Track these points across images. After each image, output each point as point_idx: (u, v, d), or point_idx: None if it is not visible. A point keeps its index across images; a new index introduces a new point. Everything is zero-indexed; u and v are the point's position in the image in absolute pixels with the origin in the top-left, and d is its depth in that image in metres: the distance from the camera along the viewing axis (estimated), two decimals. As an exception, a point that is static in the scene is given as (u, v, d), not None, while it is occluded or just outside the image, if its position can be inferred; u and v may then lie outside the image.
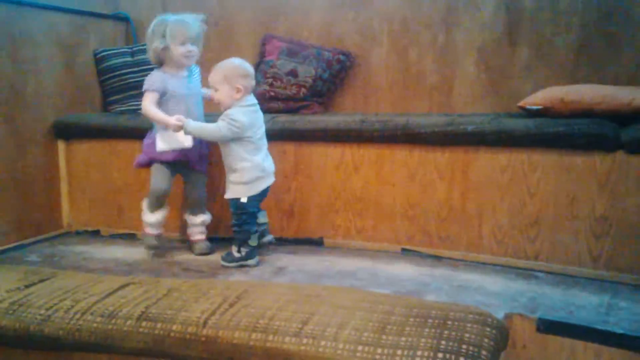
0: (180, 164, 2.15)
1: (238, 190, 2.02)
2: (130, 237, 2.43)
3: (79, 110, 2.60)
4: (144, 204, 2.18)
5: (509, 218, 1.96)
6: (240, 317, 1.36)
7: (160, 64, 2.13)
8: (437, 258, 2.06)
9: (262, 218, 2.13)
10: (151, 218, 2.16)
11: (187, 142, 2.04)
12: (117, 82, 2.69)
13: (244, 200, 2.01)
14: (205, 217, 2.24)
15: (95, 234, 2.53)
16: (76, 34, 2.63)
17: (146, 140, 2.16)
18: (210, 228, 2.30)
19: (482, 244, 2.01)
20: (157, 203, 2.16)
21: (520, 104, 2.06)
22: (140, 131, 2.26)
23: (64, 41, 2.49)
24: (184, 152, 2.09)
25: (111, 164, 2.50)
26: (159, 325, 1.38)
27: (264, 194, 2.07)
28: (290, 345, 1.27)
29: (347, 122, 2.17)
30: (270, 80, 2.55)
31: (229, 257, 2.04)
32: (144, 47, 2.78)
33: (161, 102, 2.08)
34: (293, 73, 2.54)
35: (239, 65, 2.03)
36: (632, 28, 2.21)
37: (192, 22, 2.11)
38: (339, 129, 2.17)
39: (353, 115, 2.33)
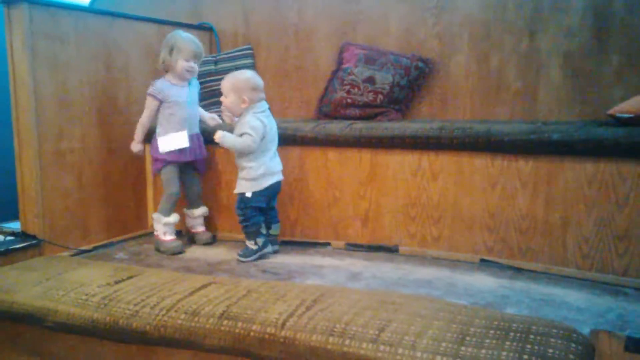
0: (185, 164, 2.37)
1: (244, 185, 2.19)
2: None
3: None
4: (158, 212, 2.34)
5: (596, 231, 1.88)
6: (317, 321, 1.38)
7: (165, 72, 2.34)
8: (518, 270, 1.99)
9: (275, 230, 2.27)
10: (171, 219, 2.33)
11: (185, 142, 2.31)
12: (201, 90, 2.79)
13: (248, 195, 2.17)
14: (204, 210, 2.47)
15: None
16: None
17: (155, 149, 2.34)
18: (286, 232, 2.36)
19: (566, 257, 1.94)
20: (173, 206, 2.35)
21: (610, 111, 1.97)
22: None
23: (152, 50, 2.62)
24: (192, 153, 2.34)
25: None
26: (239, 324, 1.41)
27: (270, 190, 2.21)
28: (367, 351, 1.27)
29: (425, 129, 2.15)
30: (347, 87, 2.57)
31: (247, 252, 2.17)
32: (227, 55, 2.88)
33: (165, 107, 2.31)
34: (370, 80, 2.54)
35: (248, 79, 2.18)
36: None
37: (198, 42, 2.32)
38: (417, 135, 2.15)
39: (431, 122, 2.30)
